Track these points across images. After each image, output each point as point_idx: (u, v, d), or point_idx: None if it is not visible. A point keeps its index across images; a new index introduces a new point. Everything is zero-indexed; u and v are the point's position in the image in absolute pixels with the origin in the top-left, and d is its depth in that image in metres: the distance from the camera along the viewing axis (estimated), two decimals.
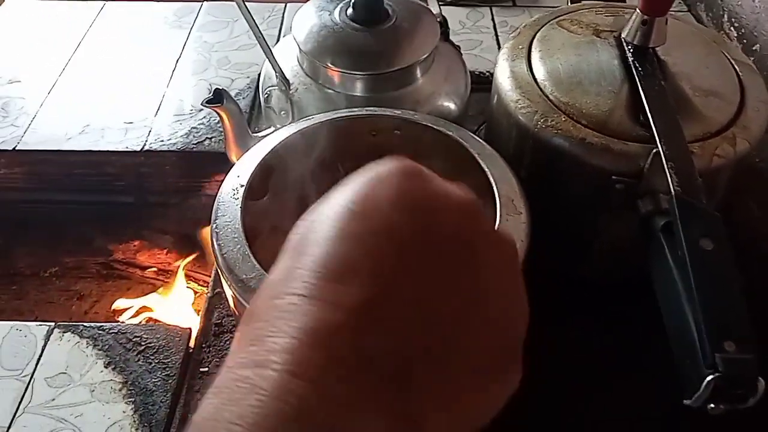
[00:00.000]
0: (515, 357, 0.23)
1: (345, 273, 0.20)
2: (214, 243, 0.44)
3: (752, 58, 0.78)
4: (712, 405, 0.39)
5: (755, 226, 0.67)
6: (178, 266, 0.79)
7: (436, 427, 0.20)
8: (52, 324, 0.60)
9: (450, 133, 0.53)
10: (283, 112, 0.63)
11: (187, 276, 0.80)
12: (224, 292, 0.62)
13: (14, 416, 0.54)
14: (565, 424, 0.53)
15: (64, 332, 0.60)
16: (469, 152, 0.51)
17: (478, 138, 0.53)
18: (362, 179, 0.23)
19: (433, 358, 0.20)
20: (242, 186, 0.47)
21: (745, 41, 0.91)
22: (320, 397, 0.18)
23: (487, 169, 0.50)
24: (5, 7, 1.00)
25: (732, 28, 0.96)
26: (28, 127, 0.79)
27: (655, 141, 0.48)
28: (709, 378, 0.38)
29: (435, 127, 0.53)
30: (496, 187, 0.48)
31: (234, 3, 0.58)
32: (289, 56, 0.66)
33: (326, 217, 0.22)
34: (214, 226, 0.45)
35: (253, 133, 0.61)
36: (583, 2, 0.67)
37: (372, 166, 0.23)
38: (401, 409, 0.19)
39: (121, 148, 0.76)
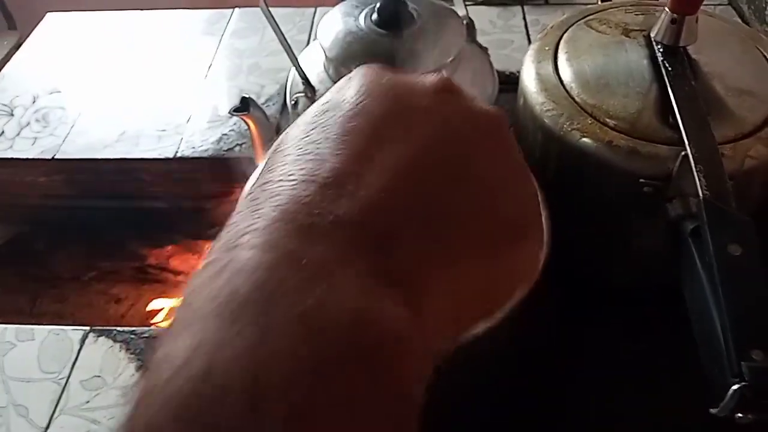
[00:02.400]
0: (520, 234, 0.23)
1: (318, 153, 0.21)
2: None
3: None
4: (740, 414, 0.38)
5: None
6: None
7: (438, 295, 0.20)
8: (87, 328, 0.62)
9: None
10: None
11: None
12: None
13: (51, 417, 0.56)
14: (595, 423, 0.52)
15: (98, 336, 0.61)
16: None
17: None
18: (335, 85, 0.24)
19: (418, 223, 0.20)
20: None
21: None
22: (290, 264, 0.17)
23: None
24: (45, 21, 1.03)
25: None
26: (67, 137, 0.82)
27: (684, 143, 0.47)
28: (734, 387, 0.37)
29: None
30: None
31: None
32: (316, 62, 0.67)
33: (304, 116, 0.23)
34: None
35: None
36: (614, 1, 0.66)
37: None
38: (384, 267, 0.19)
39: (154, 155, 0.78)
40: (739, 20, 0.95)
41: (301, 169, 0.20)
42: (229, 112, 0.58)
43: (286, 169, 0.21)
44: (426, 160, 0.21)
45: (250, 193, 0.21)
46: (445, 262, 0.20)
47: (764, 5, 0.95)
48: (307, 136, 0.22)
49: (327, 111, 0.22)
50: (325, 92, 0.65)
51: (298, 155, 0.21)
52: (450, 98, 0.23)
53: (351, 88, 0.23)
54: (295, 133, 0.22)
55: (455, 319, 0.21)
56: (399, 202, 0.20)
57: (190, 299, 0.18)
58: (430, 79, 0.24)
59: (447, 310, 0.21)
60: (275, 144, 0.23)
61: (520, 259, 0.23)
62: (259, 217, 0.19)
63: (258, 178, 0.21)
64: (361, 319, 0.17)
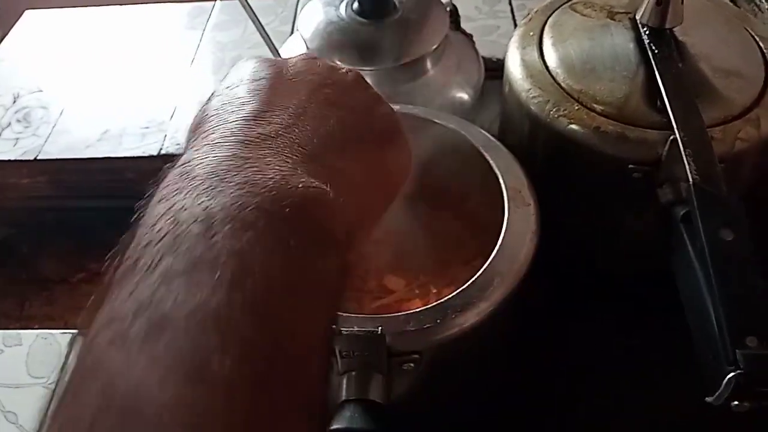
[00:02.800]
0: (390, 135, 0.33)
1: (238, 106, 0.29)
2: None
3: None
4: (736, 402, 0.37)
5: None
6: None
7: (339, 179, 0.27)
8: (76, 331, 0.61)
9: (451, 126, 0.51)
10: None
11: None
12: None
13: (42, 423, 0.55)
14: (585, 419, 0.52)
15: None
16: (473, 145, 0.50)
17: (481, 130, 0.52)
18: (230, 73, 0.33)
19: (316, 136, 0.28)
20: None
21: None
22: (235, 158, 0.25)
23: (492, 162, 0.49)
24: (23, 19, 1.01)
25: (763, 0, 0.92)
26: (49, 137, 0.80)
27: (672, 127, 0.46)
28: (730, 375, 0.36)
29: (436, 120, 0.52)
30: (503, 179, 0.47)
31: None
32: (299, 53, 0.66)
33: (217, 94, 0.31)
34: None
35: None
36: None
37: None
38: (300, 160, 0.26)
39: (138, 153, 0.77)
40: (728, 1, 0.94)
41: (229, 115, 0.28)
42: None
43: (218, 117, 0.28)
44: (310, 99, 0.30)
45: (196, 134, 0.28)
46: (339, 157, 0.29)
47: None
48: (227, 100, 0.29)
49: (234, 86, 0.30)
50: None
51: (224, 110, 0.29)
52: (314, 62, 0.33)
53: (245, 69, 0.32)
54: (215, 103, 0.30)
55: (357, 200, 0.29)
56: (301, 124, 0.28)
57: (178, 171, 0.25)
58: (299, 55, 0.34)
59: (347, 189, 0.28)
60: (201, 112, 0.30)
61: (392, 158, 0.33)
62: (207, 141, 0.26)
63: (198, 127, 0.29)
64: (288, 181, 0.24)
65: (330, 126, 0.29)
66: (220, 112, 0.29)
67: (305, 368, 0.21)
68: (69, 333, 0.61)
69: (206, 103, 0.31)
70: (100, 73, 0.90)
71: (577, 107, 0.51)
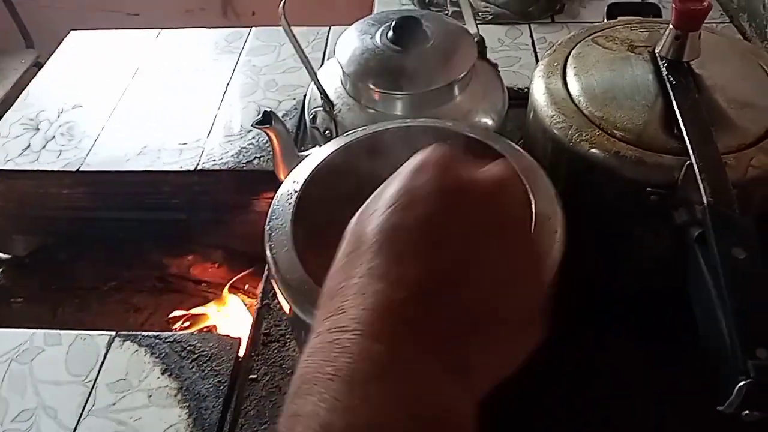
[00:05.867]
0: (534, 316, 0.30)
1: (401, 257, 0.26)
2: (266, 243, 0.47)
3: None
4: (746, 412, 0.39)
5: None
6: (229, 280, 0.83)
7: (478, 375, 0.27)
8: (113, 333, 0.64)
9: (496, 146, 0.53)
10: (327, 132, 0.66)
11: (237, 289, 0.83)
12: (270, 301, 0.65)
13: (80, 419, 0.58)
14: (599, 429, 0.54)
15: (124, 341, 0.63)
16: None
17: (523, 151, 0.54)
18: (406, 172, 0.30)
19: (474, 322, 0.26)
20: (296, 192, 0.50)
21: None
22: (393, 356, 0.24)
23: (528, 186, 0.50)
24: (68, 40, 1.06)
25: None
26: (90, 150, 0.85)
27: (688, 153, 0.49)
28: (740, 384, 0.38)
29: (482, 139, 0.54)
30: (535, 205, 0.49)
31: (281, 28, 0.62)
32: (333, 78, 0.69)
33: (380, 208, 0.28)
34: (268, 228, 0.48)
35: (299, 152, 0.65)
36: (619, 18, 0.69)
37: (414, 158, 0.30)
38: (453, 363, 0.25)
39: (175, 167, 0.81)
40: (741, 38, 0.98)
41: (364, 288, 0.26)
42: (252, 125, 0.60)
43: (373, 263, 0.27)
44: (478, 267, 0.28)
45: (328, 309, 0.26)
46: (488, 349, 0.27)
47: (765, 23, 0.97)
48: (389, 231, 0.27)
49: (401, 210, 0.28)
50: (342, 107, 0.67)
51: (382, 254, 0.27)
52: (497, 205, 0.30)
53: (421, 189, 0.28)
54: (379, 219, 0.28)
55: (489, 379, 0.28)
56: (460, 304, 0.26)
57: (317, 369, 0.24)
58: (482, 181, 0.30)
59: (485, 375, 0.28)
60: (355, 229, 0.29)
61: (527, 340, 0.30)
62: (359, 307, 0.25)
63: (350, 248, 0.28)
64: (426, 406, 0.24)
65: (491, 314, 0.27)
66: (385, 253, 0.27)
67: None
68: (107, 334, 0.64)
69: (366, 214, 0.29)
70: (139, 92, 0.94)
71: (598, 133, 0.54)
